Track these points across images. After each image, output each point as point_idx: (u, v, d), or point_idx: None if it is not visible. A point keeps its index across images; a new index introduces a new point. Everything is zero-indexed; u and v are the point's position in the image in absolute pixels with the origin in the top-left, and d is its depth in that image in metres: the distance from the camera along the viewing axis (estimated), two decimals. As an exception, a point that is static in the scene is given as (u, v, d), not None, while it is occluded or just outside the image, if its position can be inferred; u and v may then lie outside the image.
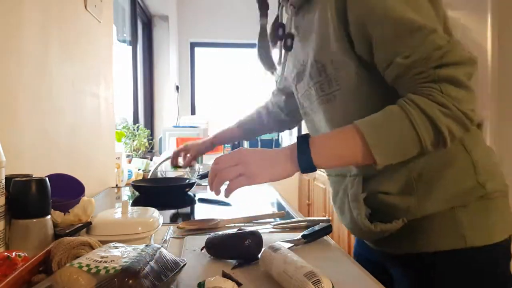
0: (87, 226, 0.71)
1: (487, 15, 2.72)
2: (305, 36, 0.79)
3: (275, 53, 0.88)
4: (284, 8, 0.84)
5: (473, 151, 0.71)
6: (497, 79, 2.71)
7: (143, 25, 3.46)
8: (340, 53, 0.70)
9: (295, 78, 0.86)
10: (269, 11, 0.90)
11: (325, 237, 0.82)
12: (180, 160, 1.34)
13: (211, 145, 1.30)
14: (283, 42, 0.82)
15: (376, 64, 0.67)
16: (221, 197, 1.43)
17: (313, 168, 0.64)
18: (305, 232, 0.79)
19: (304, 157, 0.64)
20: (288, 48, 0.82)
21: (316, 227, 0.81)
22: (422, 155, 0.64)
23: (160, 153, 2.84)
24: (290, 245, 0.72)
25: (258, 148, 0.72)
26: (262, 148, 0.72)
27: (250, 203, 1.34)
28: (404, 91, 0.64)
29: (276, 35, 0.85)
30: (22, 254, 0.56)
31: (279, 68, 0.88)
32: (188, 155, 1.31)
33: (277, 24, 0.85)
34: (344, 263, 0.68)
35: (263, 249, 0.63)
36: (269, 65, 0.89)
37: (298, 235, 0.77)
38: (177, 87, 4.05)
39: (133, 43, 3.17)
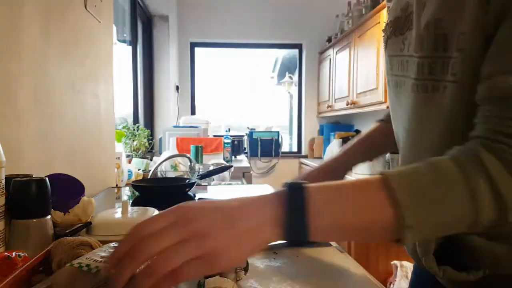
0: (87, 226, 0.71)
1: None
2: None
3: None
4: None
5: None
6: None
7: (143, 25, 3.46)
8: (475, 29, 0.46)
9: (390, 26, 0.61)
10: None
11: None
12: None
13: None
14: None
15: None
16: (221, 197, 1.43)
17: (305, 238, 0.40)
18: None
19: (296, 220, 0.40)
20: None
21: None
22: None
23: (160, 153, 2.84)
24: None
25: (207, 200, 0.45)
26: (213, 199, 0.46)
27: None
28: (483, 124, 0.44)
29: None
30: (22, 254, 0.56)
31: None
32: None
33: None
34: (347, 264, 0.68)
35: None
36: None
37: None
38: (177, 87, 4.06)
39: (133, 43, 3.17)
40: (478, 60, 0.46)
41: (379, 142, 0.83)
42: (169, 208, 0.41)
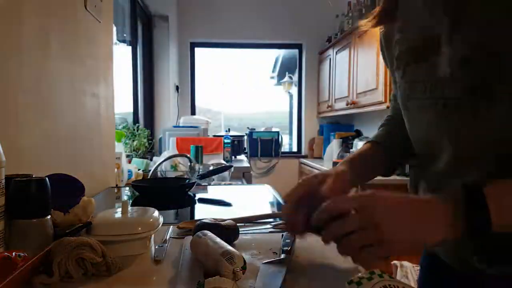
0: (87, 226, 0.71)
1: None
2: None
3: None
4: None
5: None
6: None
7: (143, 25, 3.46)
8: None
9: (407, 54, 0.61)
10: None
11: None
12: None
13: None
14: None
15: None
16: (221, 197, 1.44)
17: (486, 232, 0.44)
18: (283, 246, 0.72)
19: (478, 214, 0.44)
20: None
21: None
22: None
23: (160, 153, 2.84)
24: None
25: (397, 197, 0.49)
26: (401, 196, 0.49)
27: (250, 203, 1.34)
28: None
29: None
30: (22, 254, 0.56)
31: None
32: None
33: None
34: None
35: (190, 237, 0.69)
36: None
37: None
38: (177, 87, 4.06)
39: (133, 43, 3.17)
40: None
41: (371, 165, 0.78)
42: (362, 198, 0.49)
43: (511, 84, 0.47)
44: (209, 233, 0.66)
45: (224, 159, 2.73)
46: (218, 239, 0.62)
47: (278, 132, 4.34)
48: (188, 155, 1.90)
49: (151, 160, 2.61)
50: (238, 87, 4.66)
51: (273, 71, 5.18)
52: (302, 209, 0.60)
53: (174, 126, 3.33)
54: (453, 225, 0.45)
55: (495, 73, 0.48)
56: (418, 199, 0.51)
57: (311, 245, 0.74)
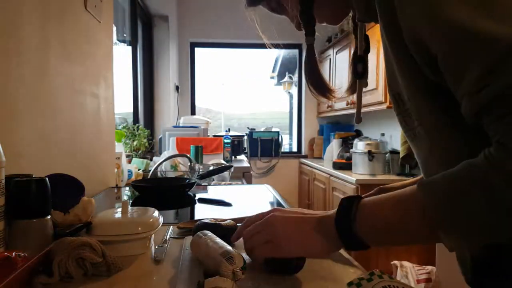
0: (87, 226, 0.71)
1: None
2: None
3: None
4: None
5: None
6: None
7: (143, 25, 3.46)
8: (405, 78, 0.53)
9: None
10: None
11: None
12: None
13: None
14: (352, 66, 0.70)
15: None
16: (221, 197, 1.44)
17: (358, 245, 0.53)
18: None
19: (344, 226, 0.52)
20: (358, 76, 0.69)
21: None
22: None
23: (160, 153, 2.84)
24: None
25: (291, 215, 0.60)
26: (296, 214, 0.61)
27: (250, 203, 1.34)
28: (491, 131, 0.43)
29: (352, 60, 0.72)
30: (22, 254, 0.56)
31: (334, 99, 0.75)
32: None
33: (355, 51, 0.71)
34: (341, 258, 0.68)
35: (190, 237, 0.70)
36: (322, 90, 0.75)
37: None
38: (177, 87, 4.06)
39: (133, 43, 3.17)
40: (423, 101, 0.52)
41: None
42: (266, 218, 0.61)
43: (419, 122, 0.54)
44: (209, 233, 0.66)
45: (224, 159, 2.73)
46: (218, 239, 0.62)
47: (278, 132, 4.34)
48: (188, 155, 1.90)
49: (151, 160, 2.61)
50: (238, 87, 4.66)
51: (273, 71, 5.18)
52: None
53: (174, 126, 3.33)
54: (329, 239, 0.55)
55: (403, 109, 0.57)
56: (306, 213, 0.60)
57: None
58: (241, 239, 0.66)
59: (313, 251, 0.58)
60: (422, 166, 0.61)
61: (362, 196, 0.57)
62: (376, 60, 2.81)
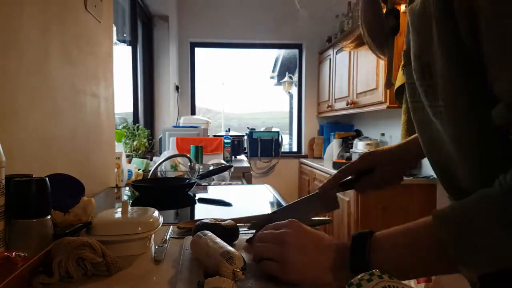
0: (87, 226, 0.71)
1: None
2: (413, 14, 0.55)
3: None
4: None
5: None
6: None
7: (143, 25, 3.46)
8: (444, 53, 0.48)
9: (404, 55, 0.64)
10: None
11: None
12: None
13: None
14: (385, 19, 0.66)
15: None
16: (221, 197, 1.44)
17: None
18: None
19: (359, 265, 0.50)
20: (391, 31, 0.66)
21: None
22: None
23: (160, 153, 2.84)
24: None
25: (307, 238, 0.57)
26: (313, 236, 0.58)
27: (250, 203, 1.34)
28: None
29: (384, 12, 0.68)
30: (22, 254, 0.56)
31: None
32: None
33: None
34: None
35: (190, 237, 0.69)
36: (380, 40, 0.69)
37: None
38: (177, 87, 4.06)
39: (133, 43, 3.17)
40: (460, 84, 0.48)
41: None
42: (280, 231, 0.59)
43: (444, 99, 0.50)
44: (209, 233, 0.66)
45: (224, 159, 2.73)
46: (218, 239, 0.62)
47: (278, 132, 4.34)
48: (188, 155, 1.90)
49: (151, 160, 2.61)
50: (238, 87, 4.66)
51: (273, 71, 5.18)
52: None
53: (174, 126, 3.33)
54: (338, 274, 0.53)
55: (428, 82, 0.52)
56: (322, 240, 0.57)
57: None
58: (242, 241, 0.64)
59: (316, 283, 0.54)
60: (430, 145, 0.59)
61: (373, 232, 0.54)
62: (376, 60, 2.81)
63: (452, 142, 0.52)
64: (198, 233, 0.67)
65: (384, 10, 0.67)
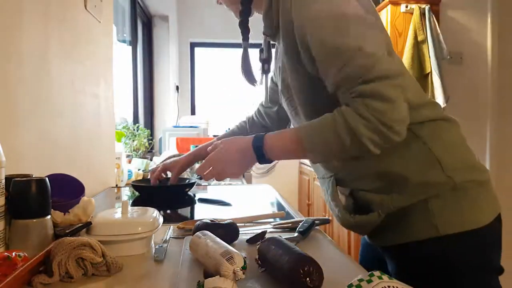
0: (87, 226, 0.71)
1: (487, 15, 2.72)
2: (278, 58, 0.92)
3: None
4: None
5: (434, 146, 0.75)
6: (497, 79, 2.71)
7: (143, 25, 3.46)
8: (293, 71, 0.82)
9: (280, 93, 0.96)
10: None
11: (319, 233, 0.84)
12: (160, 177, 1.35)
13: (194, 159, 1.30)
14: (261, 66, 0.97)
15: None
16: (221, 197, 1.44)
17: (267, 160, 0.79)
18: (300, 228, 0.83)
19: (258, 151, 0.78)
20: (265, 72, 0.96)
21: (310, 221, 0.86)
22: (401, 147, 0.72)
23: (160, 153, 2.84)
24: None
25: (228, 146, 0.84)
26: (231, 142, 0.85)
27: (250, 203, 1.34)
28: (342, 102, 0.73)
29: (260, 59, 1.00)
30: (22, 254, 0.56)
31: (259, 85, 1.01)
32: (170, 172, 1.32)
33: (260, 50, 0.99)
34: (335, 254, 0.68)
35: (190, 237, 0.70)
36: (251, 79, 1.00)
37: (294, 234, 0.81)
38: (177, 87, 4.06)
39: (133, 43, 3.17)
40: (301, 82, 0.82)
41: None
42: (214, 150, 0.86)
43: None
44: (209, 233, 0.66)
45: (224, 159, 2.73)
46: (218, 239, 0.62)
47: (278, 132, 4.34)
48: (188, 155, 1.89)
49: (151, 160, 2.60)
50: (238, 87, 4.66)
51: (273, 71, 5.17)
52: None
53: (174, 126, 3.33)
54: (252, 159, 0.79)
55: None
56: (238, 148, 0.82)
57: (309, 252, 0.74)
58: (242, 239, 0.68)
59: (243, 170, 0.84)
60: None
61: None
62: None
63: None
64: (198, 233, 0.67)
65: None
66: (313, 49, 0.73)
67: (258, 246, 0.63)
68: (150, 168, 2.22)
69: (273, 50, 1.00)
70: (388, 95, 0.66)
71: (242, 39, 1.00)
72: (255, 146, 0.78)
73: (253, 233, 0.79)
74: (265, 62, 0.96)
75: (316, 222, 0.88)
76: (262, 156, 0.78)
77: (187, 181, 1.49)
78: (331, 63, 0.71)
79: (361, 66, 0.68)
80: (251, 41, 1.00)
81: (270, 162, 0.79)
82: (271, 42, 0.97)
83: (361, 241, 1.05)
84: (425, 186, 0.74)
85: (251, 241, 0.76)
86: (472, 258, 0.73)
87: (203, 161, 0.87)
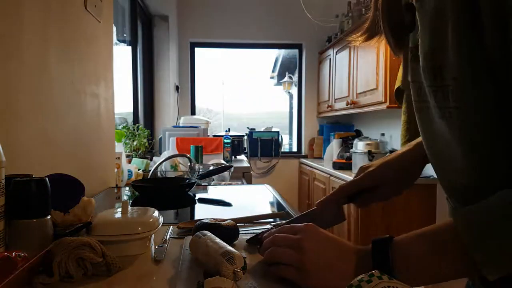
0: (87, 226, 0.71)
1: (487, 15, 2.72)
2: (424, 13, 0.53)
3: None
4: None
5: None
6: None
7: (143, 25, 3.46)
8: (463, 59, 0.47)
9: (412, 51, 0.61)
10: None
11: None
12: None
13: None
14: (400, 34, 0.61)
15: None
16: (221, 197, 1.44)
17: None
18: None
19: (383, 268, 0.48)
20: (406, 27, 0.60)
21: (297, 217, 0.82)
22: None
23: (160, 153, 2.84)
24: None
25: (326, 243, 0.56)
26: (332, 241, 0.56)
27: (250, 203, 1.34)
28: None
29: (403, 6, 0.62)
30: (22, 254, 0.56)
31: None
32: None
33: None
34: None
35: (190, 237, 0.68)
36: (398, 36, 0.62)
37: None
38: (177, 87, 4.06)
39: (133, 43, 3.17)
40: (474, 85, 0.48)
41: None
42: (300, 229, 0.58)
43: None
44: (209, 233, 0.66)
45: (224, 159, 2.73)
46: (218, 239, 0.62)
47: (278, 132, 4.34)
48: (188, 155, 1.90)
49: (151, 160, 2.61)
50: (238, 87, 4.66)
51: (273, 71, 5.18)
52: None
53: (174, 126, 3.33)
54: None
55: (439, 83, 0.51)
56: (342, 245, 0.56)
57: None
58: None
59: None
60: (432, 144, 0.59)
61: (393, 237, 0.53)
62: (376, 60, 2.81)
63: (458, 143, 0.51)
64: (197, 233, 0.67)
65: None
66: None
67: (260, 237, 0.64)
68: (150, 168, 2.23)
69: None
70: None
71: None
72: (376, 258, 0.51)
73: (253, 233, 0.79)
74: (408, 9, 0.58)
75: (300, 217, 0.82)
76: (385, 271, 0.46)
77: (187, 181, 1.49)
78: None
79: None
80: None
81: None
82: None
83: None
84: None
85: (251, 241, 0.76)
86: None
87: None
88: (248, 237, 0.77)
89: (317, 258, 0.54)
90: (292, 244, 0.56)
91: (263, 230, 0.80)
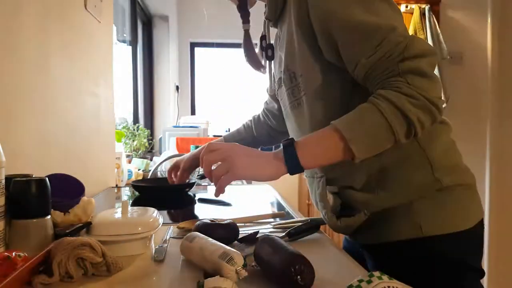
0: (87, 226, 0.71)
1: (487, 15, 2.72)
2: (281, 45, 0.85)
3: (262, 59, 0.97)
4: (266, 22, 0.92)
5: (429, 148, 0.75)
6: (497, 79, 2.71)
7: (143, 25, 3.46)
8: (304, 59, 0.77)
9: (277, 84, 0.92)
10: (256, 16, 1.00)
11: (318, 233, 0.85)
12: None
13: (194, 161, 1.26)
14: (265, 52, 0.91)
15: (345, 66, 0.71)
16: (221, 197, 1.43)
17: (300, 169, 0.68)
18: (291, 230, 0.80)
19: (291, 160, 0.67)
20: (269, 58, 0.91)
21: (303, 226, 0.82)
22: (396, 147, 0.67)
23: (160, 153, 2.84)
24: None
25: (247, 148, 0.72)
26: (251, 148, 0.73)
27: (250, 203, 1.34)
28: (374, 88, 0.68)
29: (261, 47, 0.95)
30: (22, 254, 0.56)
31: (266, 73, 0.96)
32: (178, 172, 1.26)
33: (261, 37, 0.95)
34: (333, 253, 0.68)
35: (181, 241, 0.68)
36: (256, 65, 0.95)
37: (283, 233, 0.80)
38: (177, 87, 4.06)
39: (133, 43, 3.17)
40: (314, 73, 0.76)
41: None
42: (224, 144, 0.71)
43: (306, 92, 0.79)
44: (197, 235, 0.65)
45: (224, 159, 2.73)
46: (209, 240, 0.62)
47: (278, 132, 4.33)
48: (188, 155, 1.89)
49: (151, 160, 2.61)
50: (238, 87, 4.66)
51: (273, 71, 5.17)
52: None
53: (174, 126, 3.33)
54: (280, 167, 0.68)
55: (294, 84, 0.82)
56: (259, 151, 0.72)
57: (310, 252, 0.74)
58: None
59: (268, 176, 0.70)
60: (295, 129, 0.87)
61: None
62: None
63: (310, 119, 0.80)
64: (186, 236, 0.66)
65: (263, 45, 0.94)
66: (338, 31, 0.69)
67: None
68: (150, 168, 2.23)
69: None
70: (429, 73, 0.64)
71: (242, 22, 0.97)
72: (286, 150, 0.67)
73: (250, 233, 0.79)
74: (269, 48, 0.90)
75: (306, 228, 0.83)
76: (294, 162, 0.67)
77: (187, 181, 1.49)
78: (364, 44, 0.66)
79: (398, 44, 0.64)
80: (256, 40, 0.97)
81: (300, 171, 0.69)
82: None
83: (343, 239, 1.05)
84: (413, 186, 0.74)
85: (242, 240, 0.76)
86: (453, 261, 0.73)
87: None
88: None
89: (242, 153, 0.68)
90: (218, 156, 0.69)
91: (255, 230, 0.80)
